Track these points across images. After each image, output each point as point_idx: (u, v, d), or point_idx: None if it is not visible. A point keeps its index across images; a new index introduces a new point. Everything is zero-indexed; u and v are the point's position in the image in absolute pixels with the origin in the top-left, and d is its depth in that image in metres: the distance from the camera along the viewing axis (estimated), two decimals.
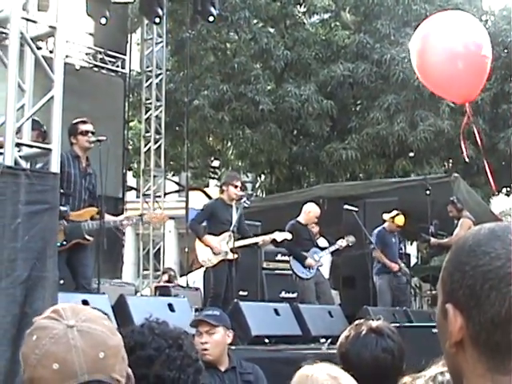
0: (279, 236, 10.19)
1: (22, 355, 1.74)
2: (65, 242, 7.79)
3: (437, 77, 9.58)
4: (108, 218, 8.37)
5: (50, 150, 6.28)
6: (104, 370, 1.71)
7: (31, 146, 6.42)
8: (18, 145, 6.19)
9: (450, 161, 19.64)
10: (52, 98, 6.31)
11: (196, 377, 2.79)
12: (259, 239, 10.02)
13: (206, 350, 5.28)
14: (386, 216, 12.24)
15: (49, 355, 1.68)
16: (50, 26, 6.61)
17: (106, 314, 2.58)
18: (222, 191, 10.13)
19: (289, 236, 10.31)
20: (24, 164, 6.19)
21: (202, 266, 10.04)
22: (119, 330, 1.87)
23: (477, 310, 1.25)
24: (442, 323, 1.31)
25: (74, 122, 8.18)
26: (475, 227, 1.34)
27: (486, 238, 1.29)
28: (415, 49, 9.96)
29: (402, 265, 12.53)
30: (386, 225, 12.31)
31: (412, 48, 10.11)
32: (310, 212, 11.53)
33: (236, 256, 9.61)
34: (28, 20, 6.47)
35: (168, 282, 14.77)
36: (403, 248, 12.74)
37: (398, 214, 12.19)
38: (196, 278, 15.00)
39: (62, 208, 7.18)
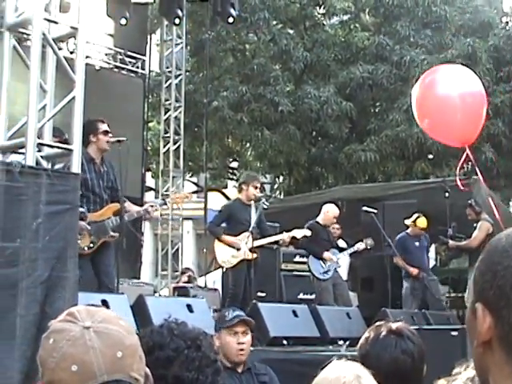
0: (298, 233, 10.21)
1: (39, 359, 1.74)
2: (91, 245, 7.81)
3: (436, 124, 10.25)
4: (131, 208, 8.36)
5: (71, 150, 6.31)
6: (123, 369, 1.71)
7: (52, 147, 6.45)
8: (40, 145, 6.23)
9: (470, 163, 19.53)
10: (73, 98, 6.34)
11: (214, 378, 2.79)
12: (279, 237, 10.04)
13: (242, 350, 5.33)
14: (407, 221, 12.21)
15: (67, 357, 1.68)
16: (72, 27, 6.65)
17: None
18: (240, 190, 10.13)
19: (308, 232, 10.32)
20: (45, 164, 6.23)
21: (221, 266, 10.07)
22: (138, 330, 1.88)
23: (506, 310, 1.25)
24: (472, 322, 1.31)
25: (92, 119, 8.12)
26: (510, 228, 1.34)
27: None
28: (416, 96, 10.50)
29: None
30: (409, 230, 12.28)
31: (413, 95, 10.64)
32: (328, 212, 11.54)
33: (255, 256, 9.62)
34: (50, 21, 6.51)
35: (187, 282, 14.79)
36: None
37: (418, 217, 12.15)
38: (215, 279, 15.02)
39: (80, 209, 7.21)
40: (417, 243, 12.26)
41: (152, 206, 8.69)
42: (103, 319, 1.76)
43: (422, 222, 12.13)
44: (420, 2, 18.39)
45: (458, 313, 12.57)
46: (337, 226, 12.02)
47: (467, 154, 9.88)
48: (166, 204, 9.21)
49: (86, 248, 7.67)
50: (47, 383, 1.70)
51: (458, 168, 10.47)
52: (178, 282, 15.14)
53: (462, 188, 10.83)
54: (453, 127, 9.91)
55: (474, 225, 12.27)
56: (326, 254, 11.19)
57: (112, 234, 8.00)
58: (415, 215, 12.21)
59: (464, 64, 16.94)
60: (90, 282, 7.76)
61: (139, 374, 1.75)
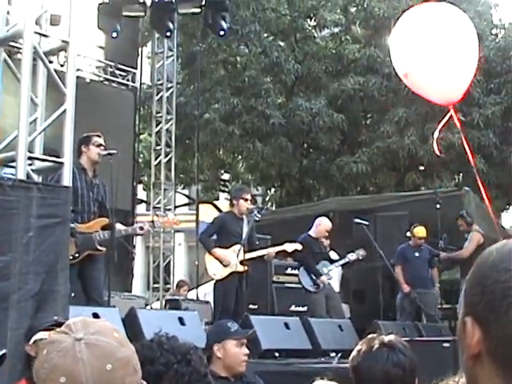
0: (289, 247, 10.22)
1: (34, 370, 1.75)
2: (77, 255, 7.79)
3: (416, 78, 8.95)
4: (119, 227, 8.38)
5: (61, 163, 6.30)
6: (112, 381, 1.71)
7: (43, 160, 6.45)
8: (30, 158, 6.22)
9: (461, 174, 19.60)
10: (64, 111, 6.35)
11: None
12: (269, 250, 10.04)
13: (245, 361, 5.40)
14: (408, 233, 12.28)
15: (56, 369, 1.69)
16: (63, 41, 6.66)
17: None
18: (232, 205, 10.16)
19: (299, 246, 10.32)
20: (36, 178, 6.22)
21: (212, 279, 10.06)
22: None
23: (495, 324, 1.25)
24: (462, 335, 1.31)
25: (89, 134, 8.20)
26: (501, 242, 1.34)
27: (509, 254, 1.28)
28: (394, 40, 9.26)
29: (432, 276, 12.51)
30: (411, 241, 12.32)
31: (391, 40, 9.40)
32: (320, 225, 11.54)
33: (246, 268, 9.62)
34: (41, 34, 6.52)
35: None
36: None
37: (415, 226, 12.20)
38: (207, 291, 14.99)
39: (70, 225, 7.18)
40: (417, 253, 12.27)
41: (142, 229, 8.69)
42: (96, 331, 1.76)
43: (420, 231, 12.15)
44: None
45: (450, 324, 12.57)
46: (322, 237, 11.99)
47: (451, 115, 9.03)
48: (154, 227, 9.19)
49: (70, 257, 7.63)
50: None
51: (439, 128, 9.47)
52: (174, 295, 15.05)
53: (438, 153, 10.14)
54: (436, 82, 8.70)
55: (466, 236, 12.30)
56: (322, 279, 11.18)
57: (98, 247, 7.99)
58: (413, 226, 12.27)
59: None
60: (78, 294, 7.74)
61: None
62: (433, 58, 8.38)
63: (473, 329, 1.28)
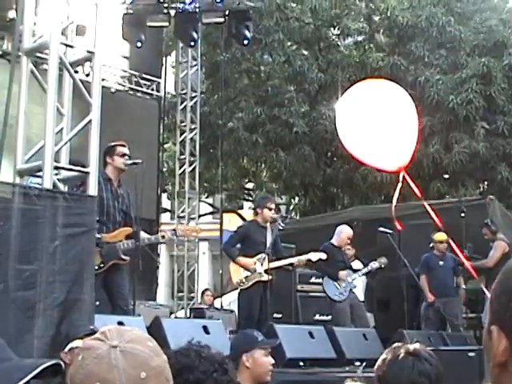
0: (314, 256, 10.20)
1: (69, 376, 1.76)
2: (102, 265, 7.82)
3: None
4: (143, 235, 8.40)
5: (87, 173, 6.35)
6: None
7: (69, 170, 6.49)
8: (57, 168, 6.27)
9: (486, 183, 19.49)
10: (90, 121, 6.40)
11: None
12: (294, 260, 10.04)
13: (271, 371, 5.38)
14: (431, 244, 12.26)
15: (91, 375, 1.70)
16: (88, 51, 6.72)
17: None
18: (256, 214, 10.15)
19: (324, 256, 10.30)
20: (62, 187, 6.27)
21: (237, 287, 10.06)
22: None
23: None
24: (488, 343, 1.31)
25: (113, 144, 8.24)
26: None
27: None
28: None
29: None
30: (435, 250, 12.29)
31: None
32: (342, 233, 11.50)
33: (270, 277, 9.62)
34: (67, 45, 6.58)
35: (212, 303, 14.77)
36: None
37: (435, 233, 12.17)
38: (231, 300, 15.00)
39: (96, 235, 7.20)
40: (441, 262, 12.22)
41: (163, 237, 8.72)
42: (131, 339, 1.77)
43: (440, 236, 12.10)
44: (434, 23, 18.39)
45: (474, 333, 12.49)
46: (348, 246, 11.97)
47: (404, 178, 9.12)
48: (176, 236, 9.21)
49: (96, 267, 7.67)
50: None
51: (395, 198, 9.39)
52: (200, 303, 15.09)
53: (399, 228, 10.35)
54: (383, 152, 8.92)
55: (490, 244, 12.23)
56: (341, 273, 11.16)
57: (123, 257, 8.02)
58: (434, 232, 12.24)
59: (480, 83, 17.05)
60: (102, 303, 7.77)
61: None
62: (376, 131, 8.64)
63: (499, 337, 1.28)
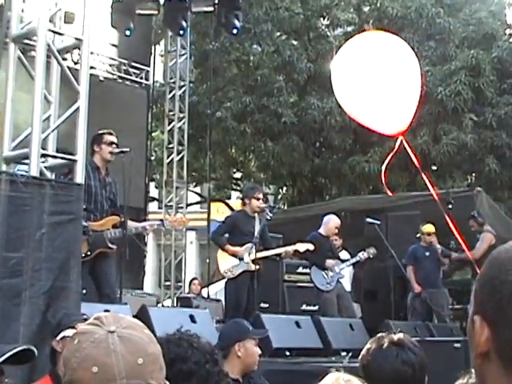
0: (301, 247, 10.21)
1: (63, 359, 1.76)
2: (89, 253, 7.81)
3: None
4: (130, 224, 8.39)
5: (74, 160, 6.33)
6: (142, 376, 1.73)
7: (56, 157, 6.47)
8: (44, 156, 6.25)
9: (473, 175, 19.55)
10: (77, 109, 6.37)
11: None
12: (281, 250, 10.04)
13: (258, 360, 5.47)
14: (418, 234, 12.30)
15: (88, 358, 1.71)
16: (77, 39, 6.69)
17: None
18: (244, 204, 10.15)
19: (311, 246, 10.31)
20: (49, 175, 6.25)
21: (224, 277, 10.06)
22: None
23: (503, 324, 1.26)
24: (471, 333, 1.32)
25: (100, 132, 8.21)
26: (510, 242, 1.34)
27: None
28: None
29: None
30: (421, 241, 12.33)
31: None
32: (329, 223, 11.50)
33: (258, 267, 9.63)
34: (55, 32, 6.54)
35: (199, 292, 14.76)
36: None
37: (423, 224, 12.22)
38: (218, 290, 15.00)
39: (83, 223, 7.18)
40: (427, 253, 12.26)
41: (150, 226, 8.72)
42: (128, 326, 1.78)
43: (428, 227, 12.16)
44: (424, 14, 18.41)
45: (461, 324, 12.54)
46: (335, 236, 11.96)
47: (401, 144, 8.49)
48: (163, 226, 9.20)
49: (83, 255, 7.64)
50: (68, 382, 1.72)
51: (389, 158, 8.93)
52: (188, 292, 15.08)
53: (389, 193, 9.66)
54: (382, 114, 8.27)
55: (477, 236, 12.27)
56: (329, 262, 11.17)
57: (110, 245, 8.01)
58: (422, 224, 12.29)
59: (469, 75, 17.05)
60: (90, 292, 7.77)
61: (158, 382, 1.77)
62: (376, 90, 8.05)
63: (481, 328, 1.29)
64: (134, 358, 1.73)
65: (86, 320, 3.72)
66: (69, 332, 4.51)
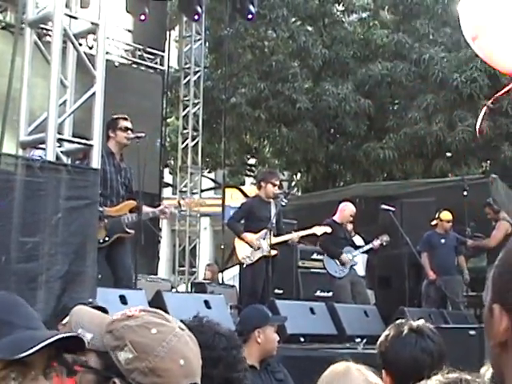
0: (319, 230, 10.22)
1: (132, 343, 1.77)
2: (107, 238, 7.81)
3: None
4: (146, 209, 8.38)
5: (91, 145, 6.33)
6: (199, 374, 1.83)
7: (72, 142, 6.48)
8: (60, 140, 6.25)
9: (488, 162, 19.46)
10: (93, 94, 6.37)
11: (246, 376, 2.83)
12: (298, 234, 10.06)
13: (276, 346, 5.50)
14: (433, 222, 12.20)
15: (177, 351, 1.77)
16: (93, 23, 6.68)
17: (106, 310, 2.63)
18: (259, 187, 10.14)
19: (328, 229, 10.32)
20: (65, 159, 6.25)
21: (242, 263, 10.05)
22: None
23: None
24: (489, 322, 1.30)
25: (115, 117, 8.18)
26: None
27: None
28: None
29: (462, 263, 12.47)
30: (437, 228, 12.25)
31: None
32: (345, 210, 11.48)
33: (275, 252, 9.64)
34: (71, 17, 6.53)
35: (211, 278, 14.76)
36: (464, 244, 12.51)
37: (441, 212, 12.15)
38: (232, 275, 15.02)
39: (99, 209, 7.18)
40: (443, 240, 12.19)
41: (167, 208, 8.71)
42: (184, 327, 1.88)
43: (446, 215, 12.09)
44: (440, 0, 18.30)
45: (475, 312, 12.50)
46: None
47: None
48: (180, 208, 9.20)
49: (100, 240, 7.63)
50: (146, 368, 1.75)
51: (494, 97, 8.77)
52: (204, 278, 15.08)
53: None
54: (505, 49, 7.49)
55: (493, 224, 12.21)
56: (343, 257, 11.14)
57: (127, 230, 8.01)
58: (440, 211, 12.20)
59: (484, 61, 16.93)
60: (105, 277, 7.78)
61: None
62: (504, 22, 7.33)
63: (501, 316, 1.27)
64: (198, 357, 1.84)
65: (92, 305, 3.69)
66: None
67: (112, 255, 7.94)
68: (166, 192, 21.29)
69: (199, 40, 16.92)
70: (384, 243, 11.48)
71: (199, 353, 1.84)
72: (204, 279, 14.98)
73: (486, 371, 1.87)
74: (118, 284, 7.81)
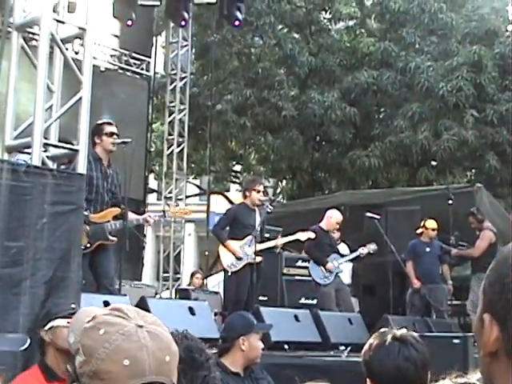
0: (302, 235, 10.22)
1: (83, 347, 1.74)
2: (88, 245, 7.78)
3: None
4: (131, 216, 8.37)
5: (76, 150, 6.31)
6: (167, 373, 1.74)
7: (58, 147, 6.45)
8: (46, 145, 6.23)
9: (473, 171, 19.54)
10: (80, 99, 6.35)
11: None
12: (282, 240, 10.07)
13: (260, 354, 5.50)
14: (419, 230, 12.22)
15: (120, 351, 1.69)
16: (80, 28, 6.66)
17: None
18: (244, 196, 10.16)
19: (312, 235, 10.32)
20: (51, 164, 6.23)
21: (226, 270, 10.04)
22: None
23: None
24: (479, 332, 1.30)
25: (100, 122, 8.16)
26: None
27: None
28: None
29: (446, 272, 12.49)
30: (422, 236, 12.26)
31: None
32: (331, 218, 11.48)
33: (260, 259, 9.64)
34: (58, 21, 6.52)
35: (201, 285, 14.69)
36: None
37: (426, 220, 12.17)
38: (216, 282, 14.98)
39: (84, 213, 7.15)
40: (428, 248, 12.21)
41: (151, 217, 8.68)
42: (152, 322, 1.79)
43: (431, 223, 12.11)
44: (426, 9, 18.36)
45: (459, 320, 12.55)
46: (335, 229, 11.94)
47: None
48: (165, 217, 9.17)
49: (82, 247, 7.60)
50: (93, 372, 1.70)
51: None
52: (189, 285, 15.00)
53: None
54: None
55: (477, 233, 12.25)
56: (329, 266, 11.14)
57: (110, 237, 7.98)
58: (425, 219, 12.23)
59: (471, 71, 17.00)
60: (89, 282, 7.75)
61: (175, 380, 1.79)
62: None
63: (491, 326, 1.27)
64: (162, 354, 1.73)
65: (75, 311, 3.67)
66: (58, 322, 4.49)
67: (95, 262, 7.92)
68: (151, 198, 21.27)
69: (186, 46, 16.93)
70: (371, 251, 11.50)
71: (168, 349, 1.75)
72: (193, 287, 14.93)
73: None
74: (101, 291, 7.78)
